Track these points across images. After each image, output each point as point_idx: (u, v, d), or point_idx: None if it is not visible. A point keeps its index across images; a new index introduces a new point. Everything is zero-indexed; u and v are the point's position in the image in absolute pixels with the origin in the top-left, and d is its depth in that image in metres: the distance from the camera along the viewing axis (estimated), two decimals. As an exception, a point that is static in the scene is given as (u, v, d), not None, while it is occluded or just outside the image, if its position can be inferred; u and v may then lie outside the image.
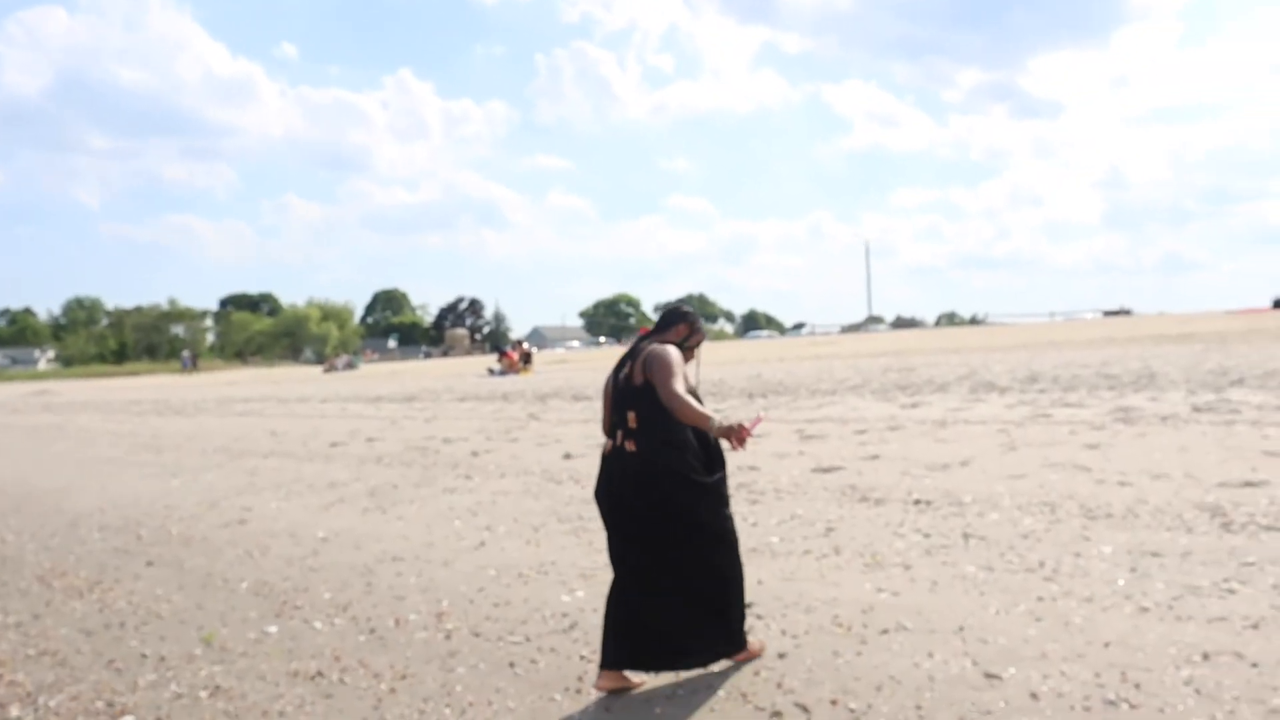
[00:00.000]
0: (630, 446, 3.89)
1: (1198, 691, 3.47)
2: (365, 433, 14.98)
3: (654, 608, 3.86)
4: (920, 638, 4.23)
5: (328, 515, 8.19)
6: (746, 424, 3.78)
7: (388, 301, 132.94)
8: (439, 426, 15.20)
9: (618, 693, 3.89)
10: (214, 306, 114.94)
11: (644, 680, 3.97)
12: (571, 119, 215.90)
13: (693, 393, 3.91)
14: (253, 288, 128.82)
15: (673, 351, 3.91)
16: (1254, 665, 3.66)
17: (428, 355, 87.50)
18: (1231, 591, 4.53)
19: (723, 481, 3.99)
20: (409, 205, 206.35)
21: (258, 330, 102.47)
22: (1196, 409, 10.47)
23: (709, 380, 21.10)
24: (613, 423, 4.00)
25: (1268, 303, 45.57)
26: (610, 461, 3.98)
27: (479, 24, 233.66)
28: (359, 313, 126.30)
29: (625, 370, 4.00)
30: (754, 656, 4.12)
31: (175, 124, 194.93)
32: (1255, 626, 4.07)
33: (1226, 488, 6.61)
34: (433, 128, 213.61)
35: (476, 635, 4.71)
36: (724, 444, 3.91)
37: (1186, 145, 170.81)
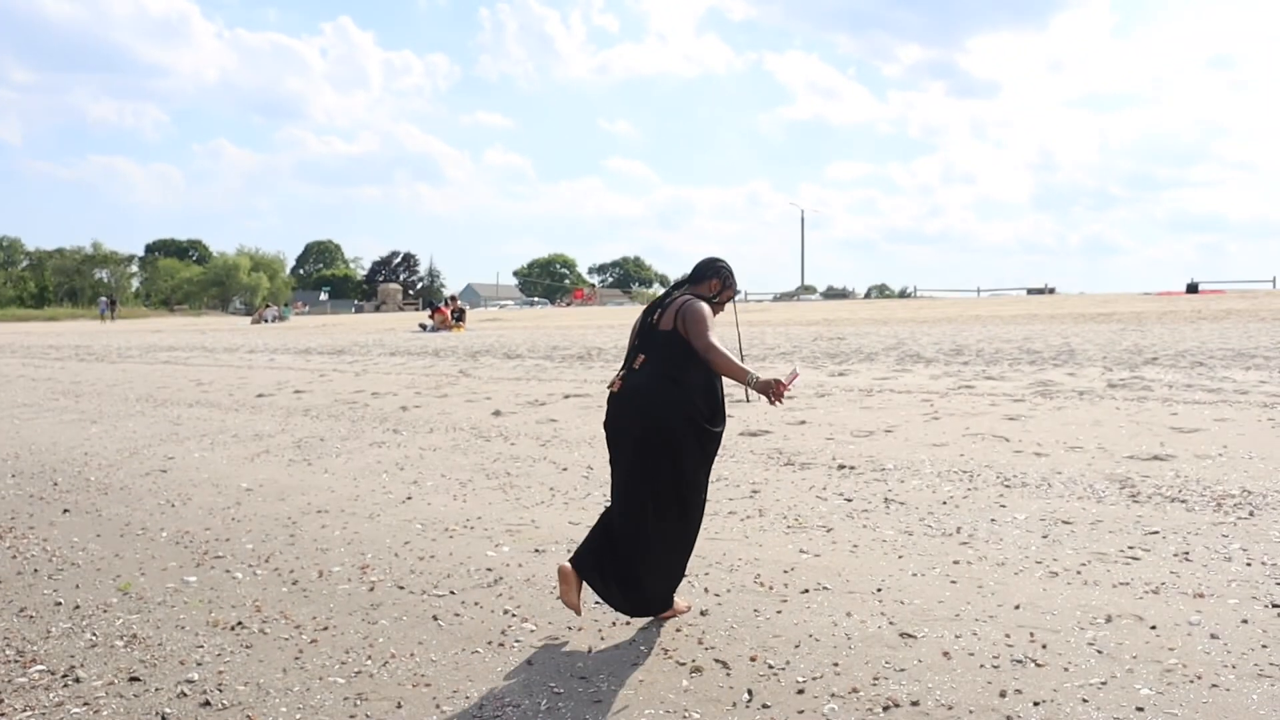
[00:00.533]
0: (616, 386, 4.07)
1: (1099, 652, 3.61)
2: (293, 384, 14.77)
3: (628, 538, 3.97)
4: (839, 598, 4.33)
5: (252, 466, 8.08)
6: (784, 379, 3.88)
7: (320, 253, 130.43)
8: (368, 380, 15.04)
9: (566, 601, 3.99)
10: (140, 252, 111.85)
11: (578, 621, 4.02)
12: (514, 76, 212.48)
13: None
14: (181, 234, 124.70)
15: (705, 307, 4.07)
16: (1152, 628, 3.82)
17: (359, 309, 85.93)
18: (1135, 559, 4.71)
19: (718, 438, 4.11)
20: (345, 156, 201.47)
21: (185, 278, 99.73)
22: (1112, 385, 10.78)
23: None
24: (626, 361, 4.14)
25: (1182, 287, 46.88)
26: (611, 397, 4.10)
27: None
28: (290, 264, 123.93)
29: (656, 315, 4.11)
30: (679, 614, 4.19)
31: (104, 61, 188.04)
32: (1155, 591, 4.24)
33: (1136, 460, 6.84)
34: (372, 78, 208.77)
35: (400, 588, 4.71)
36: (760, 399, 3.97)
37: (1113, 132, 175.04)
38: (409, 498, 6.67)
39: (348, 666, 3.79)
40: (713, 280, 4.26)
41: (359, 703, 3.45)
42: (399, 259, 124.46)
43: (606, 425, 4.11)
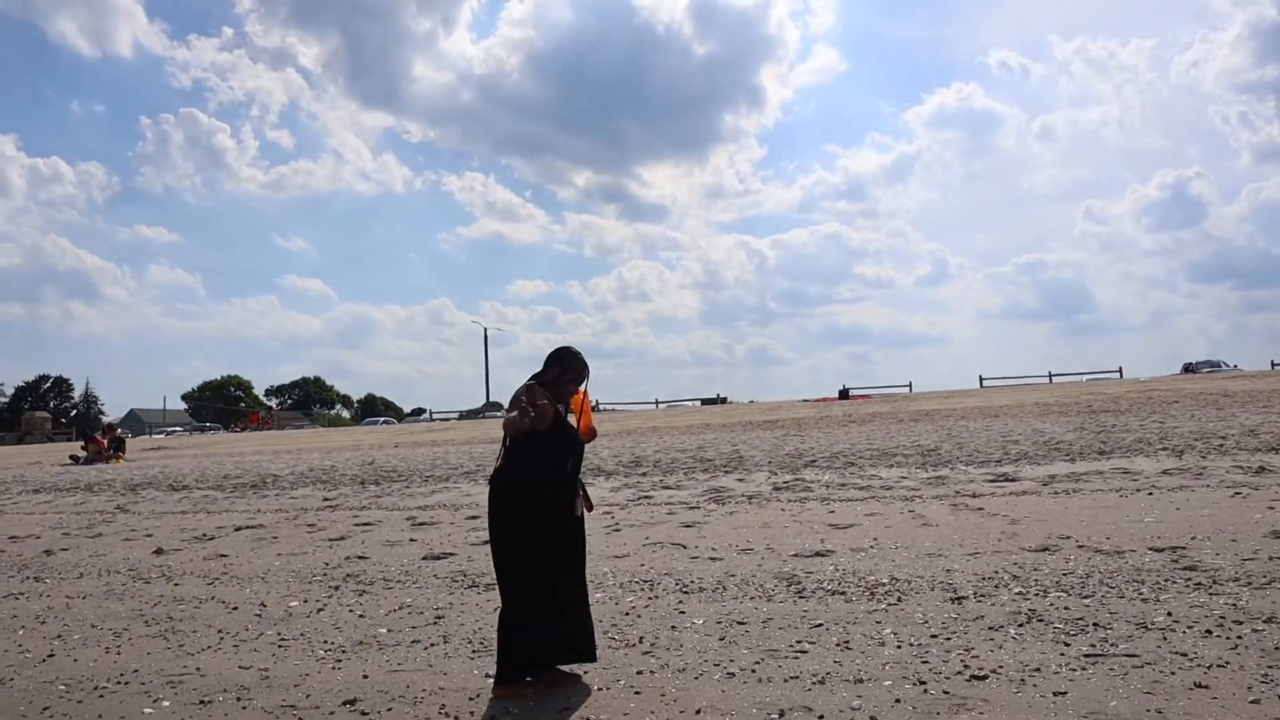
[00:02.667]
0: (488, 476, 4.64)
1: (773, 748, 3.78)
2: (-94, 534, 12.88)
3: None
4: None
5: None
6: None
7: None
8: (5, 523, 13.41)
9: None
10: None
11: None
12: (180, 189, 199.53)
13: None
14: None
15: (522, 389, 4.46)
16: (820, 717, 4.06)
17: (0, 441, 76.79)
18: (804, 652, 5.01)
19: (571, 487, 4.66)
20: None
21: None
22: (777, 488, 11.55)
23: (320, 467, 20.29)
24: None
25: (836, 393, 51.49)
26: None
27: (75, 78, 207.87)
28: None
29: None
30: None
31: None
32: (822, 682, 4.51)
33: (800, 558, 7.33)
34: (14, 186, 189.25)
35: (37, 760, 4.17)
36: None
37: (768, 254, 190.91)
38: (51, 654, 5.95)
39: None
40: (554, 367, 4.66)
41: None
42: (48, 384, 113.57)
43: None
